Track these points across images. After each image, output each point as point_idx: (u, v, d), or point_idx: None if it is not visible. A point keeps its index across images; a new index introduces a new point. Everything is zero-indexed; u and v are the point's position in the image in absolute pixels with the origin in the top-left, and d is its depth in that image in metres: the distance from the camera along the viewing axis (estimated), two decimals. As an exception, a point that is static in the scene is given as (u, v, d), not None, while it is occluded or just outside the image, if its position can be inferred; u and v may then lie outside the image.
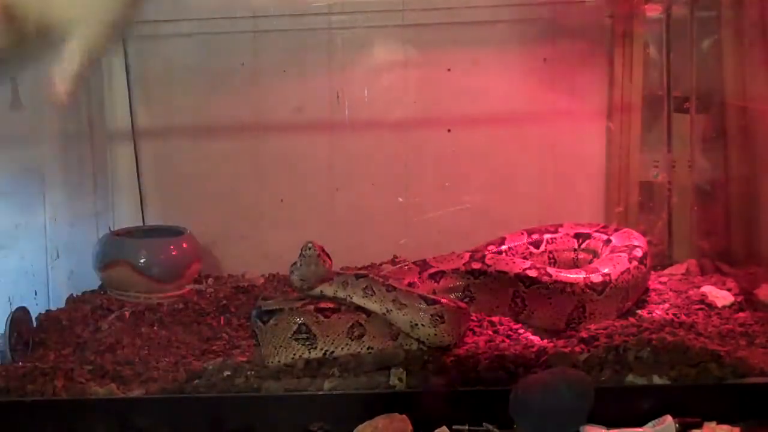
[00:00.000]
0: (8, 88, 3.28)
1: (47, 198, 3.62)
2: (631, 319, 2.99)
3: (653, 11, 3.85)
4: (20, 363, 2.93)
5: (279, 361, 2.75)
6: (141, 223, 4.04)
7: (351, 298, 2.79)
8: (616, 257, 3.20)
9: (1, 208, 3.33)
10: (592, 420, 2.43)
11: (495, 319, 3.02)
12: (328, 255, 2.79)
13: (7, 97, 3.28)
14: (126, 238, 3.73)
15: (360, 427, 2.50)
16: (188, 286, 3.68)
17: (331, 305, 2.79)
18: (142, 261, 3.57)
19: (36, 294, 3.42)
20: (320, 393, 2.64)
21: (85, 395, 2.69)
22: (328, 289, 2.83)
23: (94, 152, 3.98)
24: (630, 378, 2.63)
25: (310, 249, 2.72)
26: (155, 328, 3.25)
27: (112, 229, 3.91)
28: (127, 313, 3.37)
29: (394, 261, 3.82)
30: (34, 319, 3.20)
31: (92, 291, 3.71)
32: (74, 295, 3.63)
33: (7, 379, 2.77)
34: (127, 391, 2.70)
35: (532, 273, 3.04)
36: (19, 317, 3.06)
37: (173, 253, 3.68)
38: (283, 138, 4.03)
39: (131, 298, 3.53)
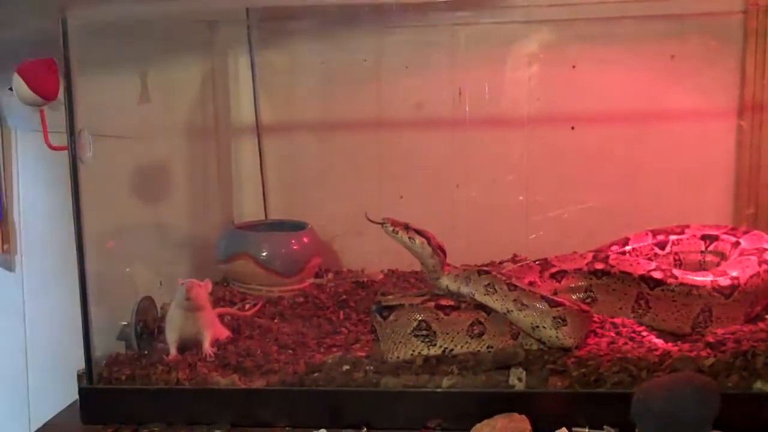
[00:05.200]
0: (139, 83, 3.39)
1: (171, 192, 3.70)
2: (761, 324, 2.89)
3: (788, 6, 3.72)
4: (146, 351, 3.00)
5: (398, 357, 2.75)
6: (263, 218, 4.09)
7: (473, 295, 2.76)
8: (745, 260, 3.09)
9: (128, 201, 3.42)
10: (717, 427, 2.36)
11: (618, 320, 2.96)
12: (417, 231, 2.80)
13: (137, 92, 3.39)
14: (249, 232, 3.78)
15: (478, 425, 2.49)
16: (308, 280, 3.72)
17: (451, 302, 2.78)
18: (264, 254, 3.62)
19: (161, 284, 3.49)
20: (438, 390, 2.64)
21: (207, 385, 2.75)
22: (452, 284, 2.82)
23: (219, 147, 4.06)
24: (758, 385, 2.56)
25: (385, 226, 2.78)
26: (276, 320, 3.30)
27: (235, 223, 3.97)
28: (249, 306, 3.43)
29: (514, 259, 3.78)
30: (159, 308, 3.26)
31: (215, 283, 3.76)
32: (198, 287, 3.70)
33: (133, 368, 2.86)
34: (248, 383, 2.75)
35: (657, 275, 2.97)
36: (145, 307, 3.13)
37: (294, 247, 3.72)
38: (403, 134, 4.03)
39: (253, 291, 3.59)
